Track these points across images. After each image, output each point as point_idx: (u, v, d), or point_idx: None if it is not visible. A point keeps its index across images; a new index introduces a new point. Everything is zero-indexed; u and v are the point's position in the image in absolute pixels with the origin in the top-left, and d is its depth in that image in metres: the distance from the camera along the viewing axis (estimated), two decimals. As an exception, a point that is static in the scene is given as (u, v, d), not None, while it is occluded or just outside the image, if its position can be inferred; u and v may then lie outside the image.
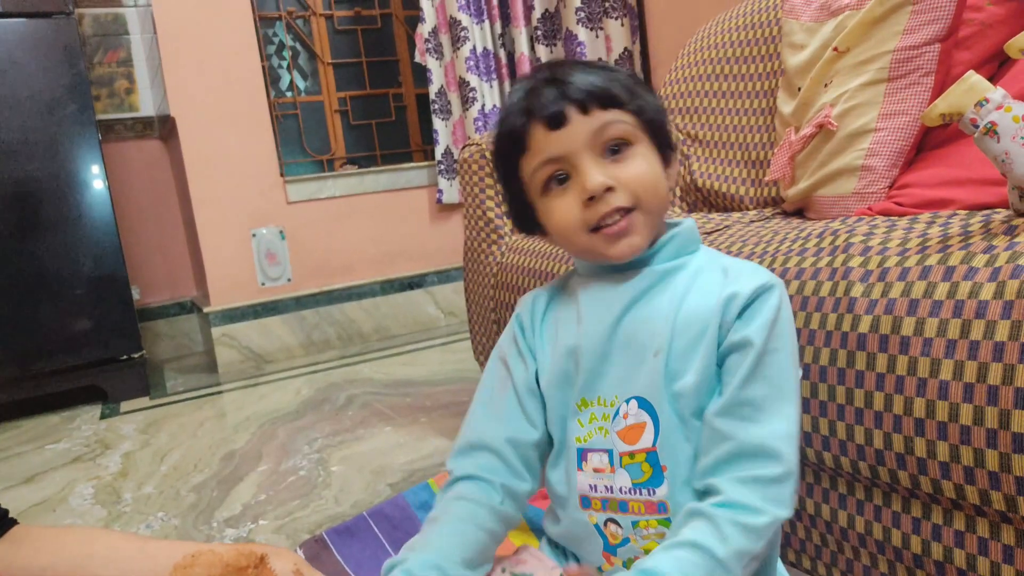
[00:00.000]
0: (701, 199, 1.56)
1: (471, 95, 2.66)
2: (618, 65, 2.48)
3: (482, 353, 1.60)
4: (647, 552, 0.58)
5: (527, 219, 0.68)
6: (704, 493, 0.57)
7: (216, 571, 0.71)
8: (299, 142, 2.89)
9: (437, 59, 2.71)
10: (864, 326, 0.72)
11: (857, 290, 0.74)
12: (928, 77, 1.07)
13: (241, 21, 2.58)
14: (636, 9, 2.52)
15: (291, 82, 2.88)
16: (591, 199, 0.60)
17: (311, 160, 2.91)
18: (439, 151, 2.76)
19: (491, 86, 2.71)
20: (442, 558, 0.60)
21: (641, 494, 0.60)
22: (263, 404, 2.10)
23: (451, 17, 2.64)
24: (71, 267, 2.22)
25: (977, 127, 0.68)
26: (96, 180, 2.25)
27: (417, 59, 2.74)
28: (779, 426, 0.56)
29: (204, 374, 2.57)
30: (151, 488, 1.54)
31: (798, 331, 0.78)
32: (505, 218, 1.50)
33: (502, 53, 2.74)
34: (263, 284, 2.65)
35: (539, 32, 2.61)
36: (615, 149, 0.61)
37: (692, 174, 1.56)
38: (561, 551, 0.68)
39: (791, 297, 0.80)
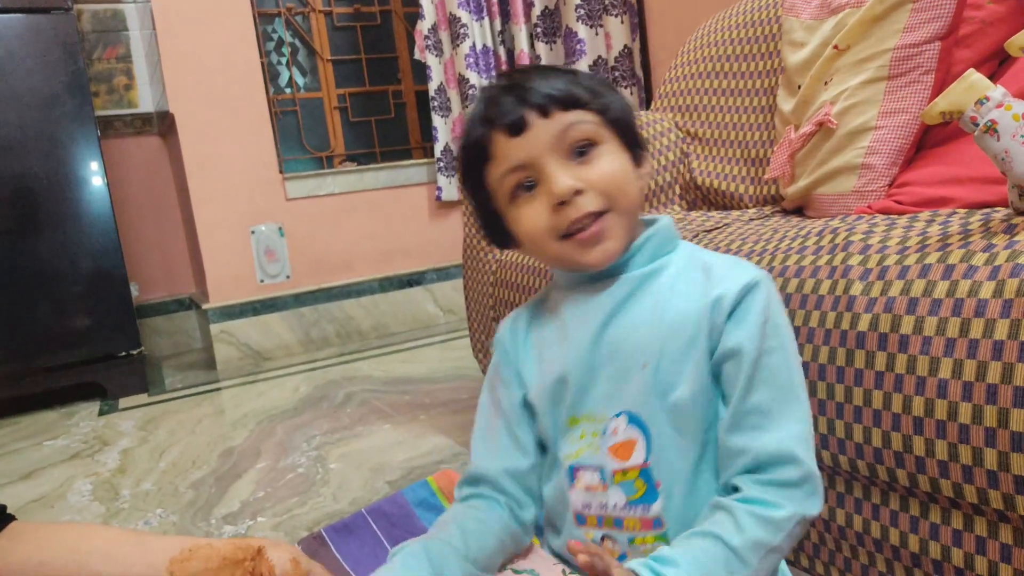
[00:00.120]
0: (701, 197, 1.56)
1: (471, 92, 2.66)
2: (617, 63, 2.47)
3: (481, 351, 1.60)
4: None
5: (498, 231, 0.66)
6: (725, 495, 0.57)
7: (213, 564, 0.71)
8: (298, 139, 2.88)
9: (437, 56, 2.70)
10: (863, 324, 0.72)
11: (856, 288, 0.74)
12: (928, 75, 1.07)
13: (240, 17, 2.57)
14: (636, 6, 2.51)
15: (290, 79, 2.88)
16: (560, 204, 0.58)
17: (310, 157, 2.91)
18: (438, 148, 2.75)
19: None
20: (451, 548, 0.60)
21: (636, 511, 0.59)
22: (262, 401, 2.10)
23: (451, 14, 2.63)
24: (70, 263, 2.21)
25: (977, 125, 0.68)
26: (95, 177, 2.24)
27: (417, 56, 2.73)
28: (791, 428, 0.55)
29: (202, 371, 2.57)
30: (149, 485, 1.54)
31: (797, 329, 0.78)
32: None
33: (502, 50, 2.74)
34: (262, 281, 2.65)
35: (539, 29, 2.61)
36: (581, 151, 0.60)
37: (692, 172, 1.55)
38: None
39: (790, 295, 0.80)
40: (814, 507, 0.55)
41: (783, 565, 0.63)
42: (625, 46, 2.49)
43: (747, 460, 0.55)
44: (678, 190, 1.57)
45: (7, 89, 2.12)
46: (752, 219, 1.18)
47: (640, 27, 2.54)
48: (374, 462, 1.52)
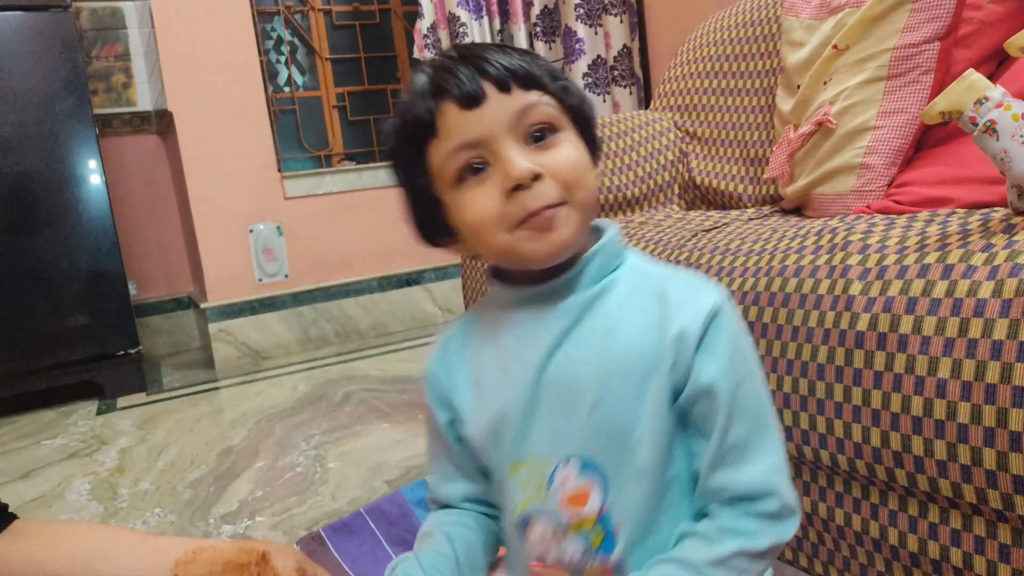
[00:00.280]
0: (699, 196, 1.56)
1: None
2: (616, 62, 2.47)
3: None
4: None
5: (434, 222, 0.58)
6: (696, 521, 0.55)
7: (217, 568, 0.71)
8: (297, 138, 2.88)
9: (436, 55, 2.70)
10: (862, 324, 0.72)
11: (855, 288, 0.74)
12: (927, 75, 1.07)
13: (239, 16, 2.57)
14: (635, 6, 2.51)
15: (289, 77, 2.88)
16: (515, 189, 0.52)
17: (309, 156, 2.90)
18: (437, 147, 2.75)
19: (490, 82, 2.71)
20: (443, 557, 0.60)
21: (595, 559, 0.55)
22: (260, 400, 2.09)
23: (450, 13, 2.63)
24: (68, 262, 2.21)
25: (976, 125, 0.68)
26: (93, 175, 2.24)
27: (416, 55, 2.73)
28: (770, 459, 0.53)
29: (201, 370, 2.57)
30: (148, 484, 1.54)
31: (796, 329, 0.78)
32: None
33: (501, 49, 2.73)
34: (260, 280, 2.65)
35: (538, 28, 2.61)
36: (539, 135, 0.54)
37: (691, 171, 1.55)
38: None
39: (789, 295, 0.80)
40: (790, 531, 0.53)
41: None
42: (624, 45, 2.49)
43: (728, 495, 0.53)
44: (677, 189, 1.57)
45: (5, 87, 2.12)
46: (751, 219, 1.18)
47: (639, 26, 2.54)
48: (373, 461, 1.52)
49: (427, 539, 0.63)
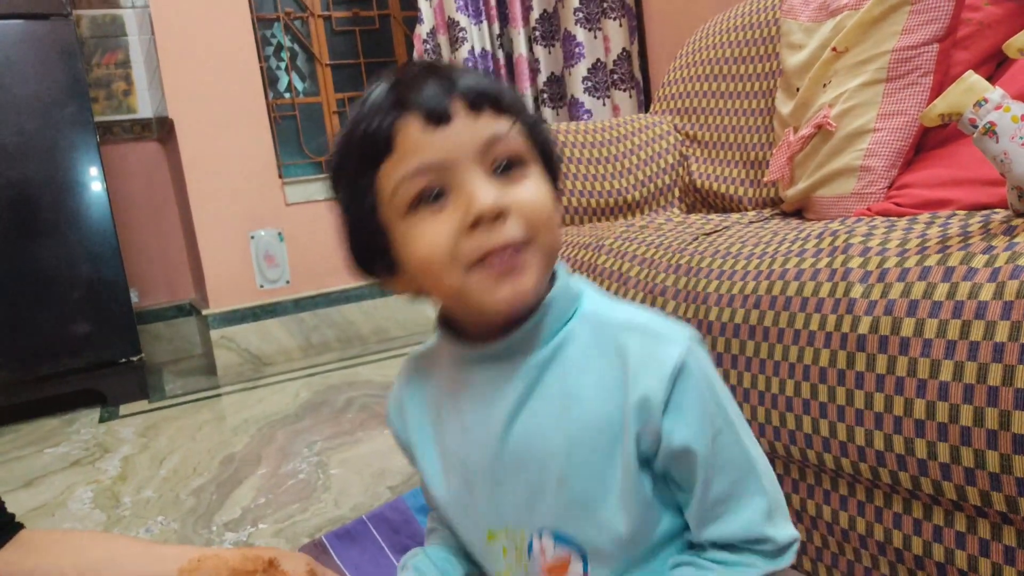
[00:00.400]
0: (700, 200, 1.56)
1: (469, 96, 2.66)
2: (616, 66, 2.47)
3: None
4: None
5: (375, 252, 0.52)
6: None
7: None
8: (298, 143, 2.88)
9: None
10: (864, 327, 0.72)
11: (856, 291, 0.74)
12: (927, 77, 1.07)
13: (239, 22, 2.57)
14: (635, 9, 2.52)
15: (289, 83, 2.88)
16: (476, 224, 0.46)
17: (309, 162, 2.91)
18: (437, 152, 2.75)
19: (489, 87, 2.71)
20: (452, 549, 0.61)
21: None
22: (262, 407, 2.09)
23: (449, 18, 2.63)
24: (69, 270, 2.21)
25: (976, 127, 0.68)
26: (94, 182, 2.24)
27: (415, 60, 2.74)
28: (756, 507, 0.50)
29: (203, 377, 2.57)
30: (150, 492, 1.54)
31: (797, 332, 0.78)
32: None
33: (500, 54, 2.74)
34: (262, 286, 2.65)
35: (537, 33, 2.61)
36: (506, 168, 0.48)
37: (691, 175, 1.55)
38: None
39: (790, 299, 0.80)
40: (786, 561, 0.52)
41: None
42: (624, 49, 2.49)
43: (719, 545, 0.52)
44: (677, 193, 1.57)
45: (6, 95, 2.12)
46: (752, 222, 1.18)
47: (639, 30, 2.54)
48: (375, 467, 1.52)
49: (433, 535, 0.64)
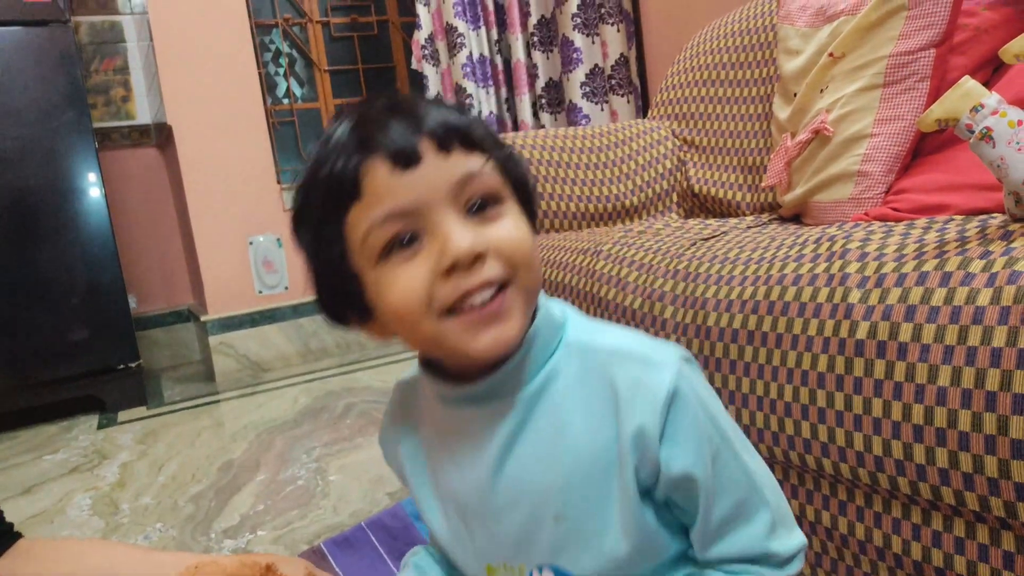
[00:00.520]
0: (698, 205, 1.56)
1: (468, 102, 2.66)
2: (614, 71, 2.48)
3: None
4: None
5: (346, 299, 0.49)
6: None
7: None
8: (296, 149, 2.89)
9: (433, 66, 2.71)
10: (862, 332, 0.72)
11: (854, 296, 0.74)
12: (923, 82, 1.07)
13: (237, 28, 2.58)
14: (632, 15, 2.52)
15: (288, 89, 2.89)
16: (451, 269, 0.44)
17: (308, 167, 2.91)
18: (436, 158, 2.75)
19: (487, 93, 2.71)
20: None
21: None
22: (261, 413, 2.09)
23: (447, 24, 2.64)
24: (67, 276, 2.21)
25: (972, 132, 0.69)
26: (92, 188, 2.24)
27: (414, 66, 2.74)
28: (761, 523, 0.50)
29: (201, 383, 2.56)
30: (149, 499, 1.54)
31: (795, 338, 0.78)
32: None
33: (498, 59, 2.74)
34: (260, 292, 2.65)
35: (535, 38, 2.62)
36: (481, 206, 0.47)
37: (689, 180, 1.56)
38: None
39: (788, 304, 0.80)
40: (795, 568, 0.52)
41: None
42: (621, 54, 2.50)
43: (725, 563, 0.51)
44: (675, 198, 1.58)
45: (5, 101, 2.13)
46: (750, 227, 1.18)
47: (636, 36, 2.55)
48: (374, 473, 1.52)
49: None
